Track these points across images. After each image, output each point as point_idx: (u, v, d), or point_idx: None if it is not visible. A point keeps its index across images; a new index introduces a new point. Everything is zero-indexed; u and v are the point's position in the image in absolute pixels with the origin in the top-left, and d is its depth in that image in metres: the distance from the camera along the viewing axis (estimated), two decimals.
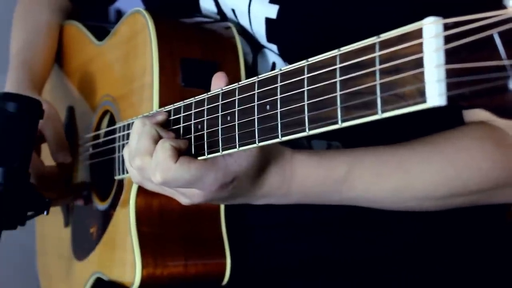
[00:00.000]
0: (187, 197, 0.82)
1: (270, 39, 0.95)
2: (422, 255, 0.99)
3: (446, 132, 0.87)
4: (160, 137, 0.78)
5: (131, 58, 0.99)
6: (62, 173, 1.12)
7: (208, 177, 0.76)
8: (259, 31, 0.96)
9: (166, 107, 0.84)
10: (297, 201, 0.85)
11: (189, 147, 0.78)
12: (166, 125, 0.83)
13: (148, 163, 0.77)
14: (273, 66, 0.98)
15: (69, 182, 1.17)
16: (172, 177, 0.75)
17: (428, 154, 0.85)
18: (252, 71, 0.99)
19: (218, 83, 0.76)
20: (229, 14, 1.01)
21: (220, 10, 1.02)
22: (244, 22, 0.98)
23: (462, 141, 0.85)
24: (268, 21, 0.93)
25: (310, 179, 0.82)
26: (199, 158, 0.77)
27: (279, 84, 0.65)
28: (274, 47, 0.95)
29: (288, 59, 0.95)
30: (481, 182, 0.85)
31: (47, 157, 1.11)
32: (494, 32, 0.45)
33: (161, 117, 0.82)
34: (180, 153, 0.76)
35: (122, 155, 0.94)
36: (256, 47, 0.99)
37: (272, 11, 0.93)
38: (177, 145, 0.76)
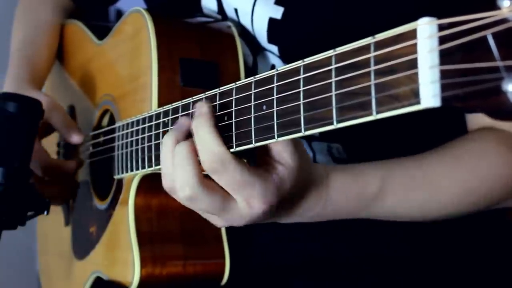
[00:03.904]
0: (233, 207, 0.72)
1: (271, 39, 0.95)
2: (423, 254, 0.99)
3: (461, 142, 0.87)
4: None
5: (130, 57, 0.99)
6: (67, 167, 1.12)
7: (258, 189, 0.69)
8: (261, 32, 0.95)
9: (164, 107, 0.84)
10: (326, 219, 0.81)
11: None
12: (163, 125, 0.83)
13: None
14: (272, 69, 0.98)
15: (72, 179, 1.16)
16: (226, 169, 0.68)
17: (451, 166, 0.84)
18: (252, 73, 0.98)
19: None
20: (231, 13, 1.00)
21: (221, 9, 1.02)
22: (245, 22, 0.98)
23: (480, 150, 0.85)
24: (271, 21, 0.93)
25: (344, 197, 0.79)
26: None
27: (275, 84, 0.65)
28: (274, 48, 0.95)
29: (288, 61, 0.95)
30: (502, 188, 0.86)
31: None
32: (488, 33, 0.45)
33: (186, 125, 0.74)
34: None
35: (122, 154, 0.94)
36: (256, 49, 0.99)
37: (277, 12, 0.93)
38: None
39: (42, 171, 1.04)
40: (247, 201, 0.70)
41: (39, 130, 1.01)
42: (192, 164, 0.70)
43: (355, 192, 0.79)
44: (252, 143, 0.67)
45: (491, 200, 0.87)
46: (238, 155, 0.69)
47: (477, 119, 0.91)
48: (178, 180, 0.70)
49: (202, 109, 0.71)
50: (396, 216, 0.85)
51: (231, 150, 0.70)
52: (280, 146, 0.71)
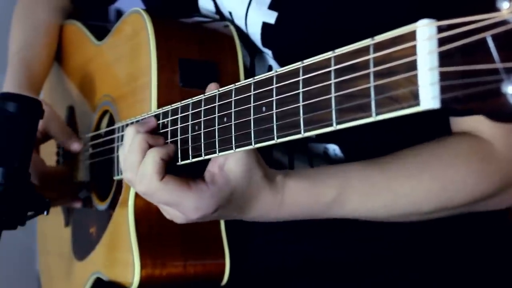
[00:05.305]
0: (169, 214, 0.83)
1: (265, 44, 0.94)
2: (422, 255, 0.99)
3: (432, 146, 0.88)
4: (150, 147, 0.79)
5: (129, 58, 0.99)
6: (63, 173, 1.12)
7: (188, 204, 0.77)
8: (255, 36, 0.95)
9: (163, 108, 0.84)
10: (285, 220, 0.86)
11: (185, 149, 0.78)
12: (163, 127, 0.83)
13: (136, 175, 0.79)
14: (270, 70, 0.97)
15: (70, 182, 1.17)
16: (153, 193, 0.77)
17: (415, 170, 0.86)
18: (250, 74, 0.98)
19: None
20: (227, 15, 1.00)
21: (218, 10, 1.01)
22: (240, 25, 0.98)
23: (448, 156, 0.86)
24: (264, 25, 0.93)
25: (300, 203, 0.83)
26: (195, 159, 0.77)
27: (274, 85, 0.64)
28: (269, 52, 0.95)
29: (283, 64, 0.95)
30: (467, 196, 0.86)
31: (45, 158, 1.11)
32: (487, 35, 0.45)
33: (152, 124, 0.84)
34: (169, 160, 0.77)
35: None
36: (253, 50, 0.99)
37: (271, 17, 0.92)
38: (165, 156, 0.77)
39: (39, 181, 1.04)
40: (182, 212, 0.79)
41: (37, 139, 1.01)
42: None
43: (312, 200, 0.83)
44: (251, 145, 0.67)
45: (456, 206, 0.87)
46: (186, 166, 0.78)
47: (459, 123, 0.90)
48: (140, 172, 0.78)
49: (159, 140, 0.81)
50: (360, 217, 0.88)
51: (231, 151, 0.71)
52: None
